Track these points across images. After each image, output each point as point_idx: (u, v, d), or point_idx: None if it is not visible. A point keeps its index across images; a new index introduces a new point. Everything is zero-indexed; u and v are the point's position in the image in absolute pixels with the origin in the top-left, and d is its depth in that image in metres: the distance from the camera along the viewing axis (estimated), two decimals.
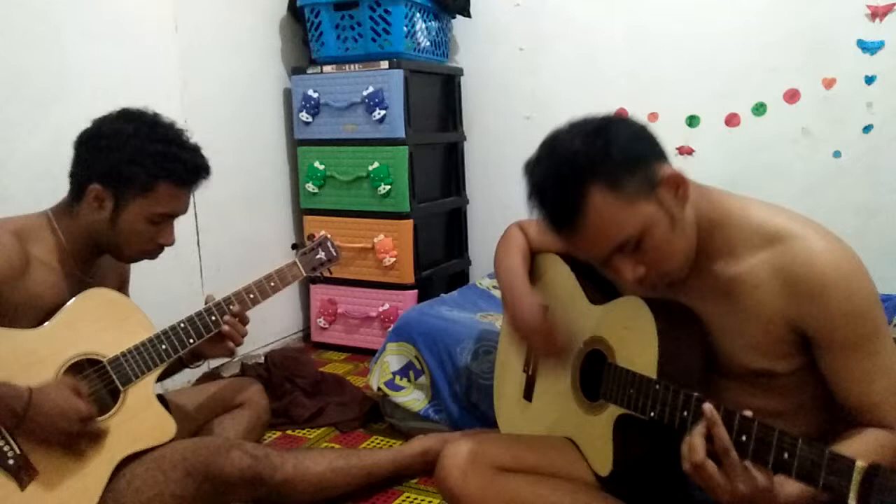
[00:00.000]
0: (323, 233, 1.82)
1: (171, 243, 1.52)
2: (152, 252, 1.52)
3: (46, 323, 1.41)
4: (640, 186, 1.07)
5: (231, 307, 1.57)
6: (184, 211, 1.52)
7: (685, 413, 1.08)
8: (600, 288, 1.43)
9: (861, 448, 0.97)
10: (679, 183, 1.11)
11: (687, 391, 1.09)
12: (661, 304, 1.22)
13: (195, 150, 1.50)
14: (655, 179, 1.09)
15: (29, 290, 1.38)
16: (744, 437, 0.98)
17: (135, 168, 1.42)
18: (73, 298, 1.45)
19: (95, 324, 1.45)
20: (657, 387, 1.14)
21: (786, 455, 0.93)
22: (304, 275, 1.75)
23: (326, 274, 1.82)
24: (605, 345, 1.31)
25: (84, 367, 1.42)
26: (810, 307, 1.08)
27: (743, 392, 1.18)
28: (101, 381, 1.43)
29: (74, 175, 1.48)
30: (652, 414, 1.14)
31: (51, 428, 1.30)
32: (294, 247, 1.80)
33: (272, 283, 1.66)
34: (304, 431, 2.19)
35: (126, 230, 1.46)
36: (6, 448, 1.30)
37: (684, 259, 1.15)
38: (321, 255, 1.79)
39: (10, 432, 1.31)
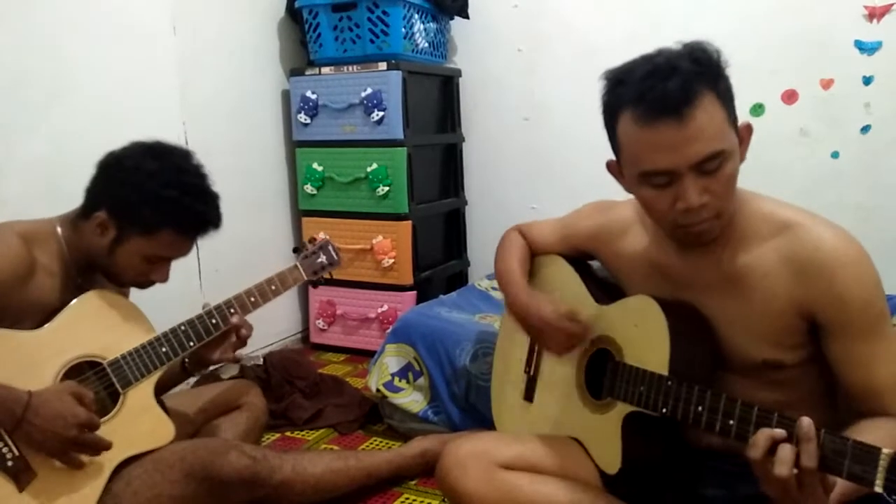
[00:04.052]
0: (324, 236, 1.83)
1: (163, 281, 1.53)
2: (143, 284, 1.53)
3: (47, 324, 1.41)
4: (733, 117, 1.11)
5: (231, 310, 1.58)
6: (184, 255, 1.53)
7: (699, 408, 1.09)
8: (604, 289, 1.43)
9: (873, 437, 0.97)
10: (749, 133, 1.15)
11: (701, 386, 1.11)
12: (671, 303, 1.23)
13: (210, 202, 1.49)
14: (737, 118, 1.12)
15: (32, 293, 1.39)
16: None
17: (143, 209, 1.42)
18: (75, 300, 1.45)
19: (96, 325, 1.45)
20: (669, 383, 1.15)
21: None
22: (305, 278, 1.75)
23: (326, 277, 1.82)
24: (613, 344, 1.31)
25: (84, 369, 1.42)
26: (820, 291, 1.10)
27: (748, 385, 1.20)
28: (100, 383, 1.43)
29: (88, 193, 1.49)
30: (664, 410, 1.15)
31: (48, 432, 1.28)
32: (296, 250, 1.80)
33: (273, 287, 1.66)
34: (303, 433, 2.19)
35: (121, 262, 1.47)
36: (5, 449, 1.30)
37: (733, 207, 1.15)
38: (322, 258, 1.79)
39: (8, 434, 1.30)
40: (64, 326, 1.42)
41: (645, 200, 1.17)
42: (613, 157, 1.21)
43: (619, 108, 1.12)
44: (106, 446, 1.36)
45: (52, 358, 1.39)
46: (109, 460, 1.40)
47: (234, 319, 1.56)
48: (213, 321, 1.55)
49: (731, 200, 1.13)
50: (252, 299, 1.61)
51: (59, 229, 1.47)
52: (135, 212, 1.42)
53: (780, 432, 0.97)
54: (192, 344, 1.52)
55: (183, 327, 1.52)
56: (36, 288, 1.40)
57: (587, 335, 1.37)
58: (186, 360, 1.62)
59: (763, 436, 0.97)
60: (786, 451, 0.95)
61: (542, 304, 1.40)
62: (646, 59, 1.11)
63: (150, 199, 1.41)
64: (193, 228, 1.49)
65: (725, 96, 1.09)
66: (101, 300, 1.48)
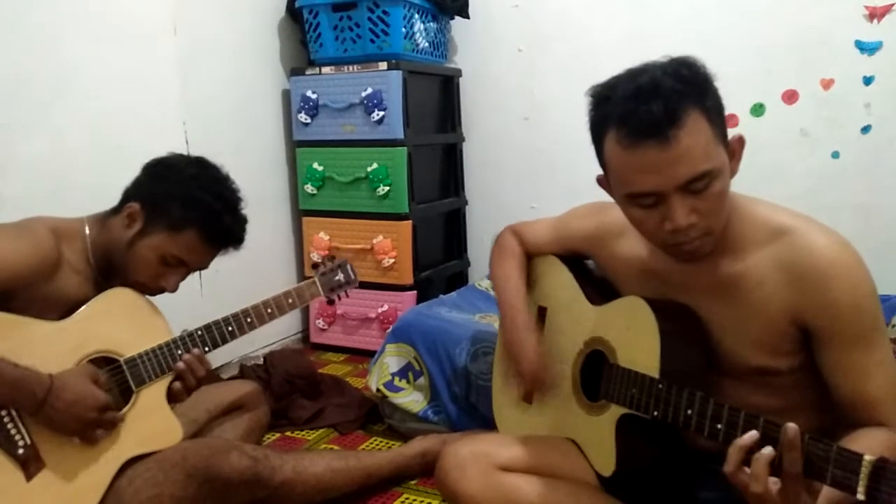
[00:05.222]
0: (344, 259, 1.86)
1: (171, 290, 1.55)
2: (151, 290, 1.54)
3: (69, 317, 1.42)
4: (722, 132, 1.09)
5: (248, 319, 1.60)
6: (199, 267, 1.57)
7: (689, 411, 1.09)
8: (599, 289, 1.43)
9: (865, 448, 0.96)
10: (741, 145, 1.13)
11: (691, 390, 1.09)
12: (663, 304, 1.22)
13: (239, 221, 1.57)
14: (726, 133, 1.11)
15: (58, 287, 1.42)
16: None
17: (175, 204, 1.47)
18: (99, 295, 1.47)
19: (116, 322, 1.47)
20: (660, 386, 1.14)
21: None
22: (322, 295, 1.78)
23: (343, 297, 1.84)
24: (606, 345, 1.31)
25: (100, 365, 1.44)
26: (814, 299, 1.09)
27: (742, 390, 1.19)
28: (114, 379, 1.45)
29: (126, 190, 1.54)
30: (655, 413, 1.15)
31: (68, 415, 1.31)
32: (314, 266, 1.84)
33: (290, 300, 1.69)
34: (304, 433, 2.19)
35: (138, 256, 1.49)
36: (17, 437, 1.31)
37: (723, 225, 1.14)
38: (340, 276, 1.82)
39: (24, 420, 1.31)
40: (85, 320, 1.44)
41: (634, 219, 1.16)
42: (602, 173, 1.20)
43: (605, 127, 1.11)
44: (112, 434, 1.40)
45: (71, 350, 1.40)
46: (116, 457, 1.41)
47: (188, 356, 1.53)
48: (230, 328, 1.57)
49: (720, 217, 1.12)
50: (269, 310, 1.64)
51: (86, 229, 1.51)
52: (166, 206, 1.47)
53: (748, 440, 0.95)
54: (206, 350, 1.54)
55: (199, 332, 1.54)
56: (61, 282, 1.43)
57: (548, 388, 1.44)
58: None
59: (734, 449, 0.96)
60: (760, 465, 0.93)
61: (532, 348, 1.43)
62: (630, 77, 1.10)
63: (185, 196, 1.47)
64: (216, 237, 1.53)
65: (713, 113, 1.07)
66: (124, 298, 1.50)
